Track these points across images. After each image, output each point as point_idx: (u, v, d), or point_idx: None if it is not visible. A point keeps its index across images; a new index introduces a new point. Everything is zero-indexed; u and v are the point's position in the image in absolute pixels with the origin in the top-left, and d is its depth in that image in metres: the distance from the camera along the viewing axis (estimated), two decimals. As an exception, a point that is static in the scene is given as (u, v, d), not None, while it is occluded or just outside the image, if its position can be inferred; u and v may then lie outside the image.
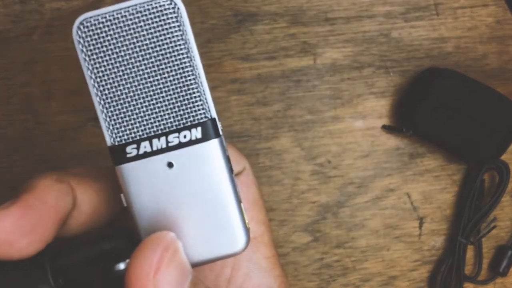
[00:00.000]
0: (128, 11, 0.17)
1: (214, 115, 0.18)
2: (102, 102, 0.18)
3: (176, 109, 0.17)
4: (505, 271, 0.51)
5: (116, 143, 0.18)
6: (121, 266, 0.17)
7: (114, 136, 0.18)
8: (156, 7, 0.16)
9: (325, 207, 0.52)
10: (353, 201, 0.52)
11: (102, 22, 0.18)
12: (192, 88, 0.17)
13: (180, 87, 0.17)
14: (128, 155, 0.17)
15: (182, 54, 0.16)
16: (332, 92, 0.52)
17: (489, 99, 0.47)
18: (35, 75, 0.52)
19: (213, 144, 0.17)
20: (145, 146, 0.17)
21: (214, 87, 0.52)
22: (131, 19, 0.17)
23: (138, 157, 0.17)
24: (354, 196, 0.52)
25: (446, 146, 0.50)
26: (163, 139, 0.16)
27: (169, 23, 0.16)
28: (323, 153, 0.52)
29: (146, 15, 0.16)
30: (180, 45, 0.17)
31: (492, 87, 0.49)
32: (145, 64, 0.17)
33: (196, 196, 0.16)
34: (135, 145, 0.17)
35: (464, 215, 0.50)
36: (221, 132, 0.17)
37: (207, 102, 0.18)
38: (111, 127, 0.18)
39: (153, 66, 0.17)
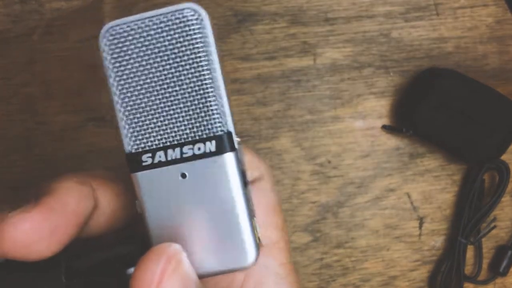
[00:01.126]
0: (152, 20, 0.18)
1: (231, 128, 0.17)
2: (123, 110, 0.18)
3: (193, 120, 0.17)
4: (505, 271, 0.51)
5: (133, 151, 0.18)
6: (131, 270, 0.17)
7: (131, 143, 0.18)
8: (179, 17, 0.17)
9: (325, 207, 0.52)
10: (353, 201, 0.52)
11: (127, 31, 0.18)
12: (210, 101, 0.17)
13: (198, 99, 0.17)
14: (144, 164, 0.17)
15: (202, 66, 0.17)
16: (332, 92, 0.52)
17: (489, 99, 0.47)
18: (35, 75, 0.52)
19: (228, 158, 0.17)
20: (160, 156, 0.17)
21: (214, 87, 0.52)
22: (154, 29, 0.17)
23: (153, 166, 0.17)
24: (354, 196, 0.52)
25: (446, 146, 0.50)
26: (177, 150, 0.17)
27: (191, 35, 0.17)
28: (323, 153, 0.52)
29: (169, 25, 0.17)
30: (200, 56, 0.17)
31: (492, 87, 0.49)
32: (165, 74, 0.17)
33: (208, 208, 0.16)
34: (150, 154, 0.17)
35: (464, 215, 0.50)
36: (236, 146, 0.17)
37: (224, 116, 0.17)
38: (129, 135, 0.18)
39: (173, 77, 0.17)
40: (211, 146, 0.16)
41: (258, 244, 0.17)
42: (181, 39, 0.17)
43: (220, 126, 0.17)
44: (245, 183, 0.17)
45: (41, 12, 0.53)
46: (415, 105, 0.48)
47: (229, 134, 0.17)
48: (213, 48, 0.18)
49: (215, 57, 0.17)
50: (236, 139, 0.18)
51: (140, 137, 0.17)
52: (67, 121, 0.52)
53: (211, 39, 0.18)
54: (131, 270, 0.17)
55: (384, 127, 0.52)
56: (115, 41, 0.18)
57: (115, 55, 0.18)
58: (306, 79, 0.52)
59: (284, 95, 0.52)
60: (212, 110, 0.17)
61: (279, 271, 0.22)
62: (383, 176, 0.52)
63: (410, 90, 0.52)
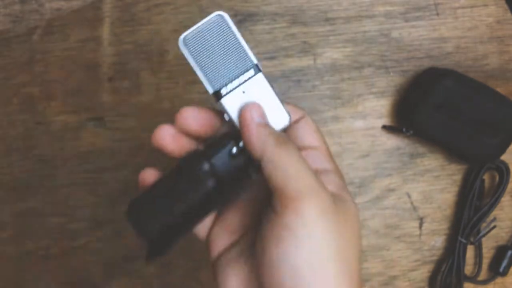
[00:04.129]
0: (202, 26, 0.31)
1: (256, 62, 0.31)
2: (204, 72, 0.31)
3: (238, 64, 0.31)
4: (505, 271, 0.51)
5: (215, 90, 0.31)
6: (240, 144, 0.30)
7: (212, 87, 0.31)
8: (214, 21, 0.31)
9: (325, 207, 0.52)
10: (353, 201, 0.52)
11: (192, 35, 0.31)
12: (240, 53, 0.31)
13: (235, 54, 0.31)
14: (223, 94, 0.31)
15: (231, 37, 0.31)
16: (332, 92, 0.52)
17: (489, 99, 0.47)
18: (35, 75, 0.52)
19: (260, 75, 0.31)
20: (228, 87, 0.31)
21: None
22: (203, 30, 0.31)
23: (227, 93, 0.31)
24: (354, 196, 0.52)
25: (446, 146, 0.50)
26: (236, 81, 0.31)
27: (221, 26, 0.31)
28: (323, 153, 0.52)
29: (210, 25, 0.31)
30: (229, 33, 0.31)
31: (492, 87, 0.49)
32: (217, 47, 0.31)
33: (259, 101, 0.31)
34: (224, 88, 0.31)
35: (464, 215, 0.50)
36: (261, 69, 0.31)
37: (249, 58, 0.31)
38: (210, 84, 0.31)
39: (220, 47, 0.31)
40: (250, 73, 0.31)
41: (288, 113, 0.31)
42: (217, 29, 0.31)
43: (250, 62, 0.31)
44: (272, 86, 0.31)
45: (41, 12, 0.53)
46: (415, 105, 0.48)
47: (256, 65, 0.31)
48: (234, 28, 0.31)
49: (236, 31, 0.31)
50: (260, 66, 0.31)
51: (215, 82, 0.31)
52: (67, 121, 0.52)
53: (231, 24, 0.31)
54: (240, 144, 0.30)
55: (384, 127, 0.52)
56: (188, 41, 0.31)
57: (190, 47, 0.31)
58: (306, 79, 0.52)
59: (284, 95, 0.52)
60: (243, 57, 0.31)
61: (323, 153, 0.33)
62: (383, 176, 0.52)
63: (410, 90, 0.52)
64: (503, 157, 0.49)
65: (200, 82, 0.31)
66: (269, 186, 0.28)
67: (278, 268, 0.26)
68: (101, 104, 0.52)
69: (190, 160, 0.30)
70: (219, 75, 0.31)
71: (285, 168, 0.27)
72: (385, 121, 0.52)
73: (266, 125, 0.30)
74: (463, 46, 0.52)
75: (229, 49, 0.31)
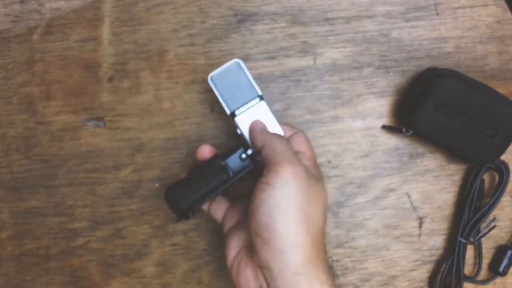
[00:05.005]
0: (224, 68, 0.44)
1: (260, 93, 0.44)
2: (224, 99, 0.44)
3: (248, 95, 0.44)
4: (505, 271, 0.51)
5: (231, 111, 0.44)
6: (249, 151, 0.43)
7: (229, 109, 0.44)
8: (232, 65, 0.44)
9: (325, 207, 0.52)
10: (353, 201, 0.52)
11: (217, 74, 0.44)
12: (250, 87, 0.44)
13: (246, 88, 0.44)
14: (236, 114, 0.44)
15: (243, 76, 0.44)
16: (332, 92, 0.52)
17: (489, 99, 0.47)
18: (35, 75, 0.52)
19: (263, 103, 0.44)
20: (240, 110, 0.44)
21: (214, 87, 0.52)
22: (224, 71, 0.44)
23: (240, 114, 0.44)
24: (354, 196, 0.52)
25: (445, 146, 0.50)
26: (245, 105, 0.44)
27: (237, 69, 0.44)
28: (323, 153, 0.52)
29: (229, 68, 0.44)
30: (242, 74, 0.44)
31: (492, 87, 0.49)
32: (233, 83, 0.44)
33: (262, 119, 0.44)
34: (237, 110, 0.44)
35: (464, 215, 0.50)
36: (264, 98, 0.44)
37: (256, 91, 0.44)
38: (228, 107, 0.44)
39: (236, 83, 0.44)
40: (256, 100, 0.44)
41: (283, 129, 0.44)
42: (235, 71, 0.44)
43: (256, 93, 0.44)
44: (271, 112, 0.44)
45: (41, 12, 0.53)
46: (415, 105, 0.48)
47: (260, 95, 0.44)
48: (247, 71, 0.44)
49: (247, 73, 0.44)
50: (264, 98, 0.44)
51: (232, 105, 0.44)
52: (66, 121, 0.52)
53: (245, 69, 0.44)
54: (249, 151, 0.43)
55: (384, 127, 0.52)
56: (214, 78, 0.44)
57: (215, 82, 0.44)
58: (306, 79, 0.52)
59: (284, 95, 0.52)
60: (253, 89, 0.44)
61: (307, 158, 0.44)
62: (383, 176, 0.52)
63: (410, 90, 0.52)
64: (503, 157, 0.49)
65: (221, 106, 0.44)
66: (265, 164, 0.40)
67: (258, 212, 0.38)
68: (101, 104, 0.52)
69: (214, 159, 0.43)
70: (235, 101, 0.44)
71: (274, 148, 0.40)
72: (385, 121, 0.52)
73: (266, 128, 0.43)
74: (463, 46, 0.52)
75: (242, 84, 0.44)
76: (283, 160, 0.39)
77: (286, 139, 0.43)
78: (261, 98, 0.44)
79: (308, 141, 0.45)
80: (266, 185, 0.38)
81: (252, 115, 0.44)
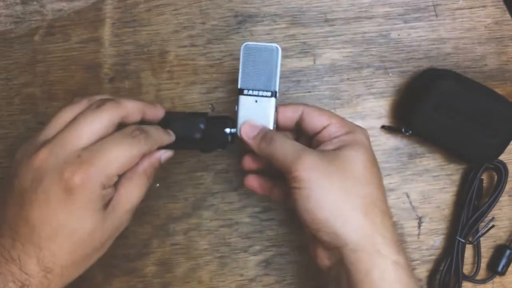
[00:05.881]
0: (261, 45, 0.41)
1: (276, 89, 0.42)
2: (243, 72, 0.42)
3: (266, 83, 0.41)
4: (503, 270, 0.51)
5: (241, 87, 0.42)
6: (228, 130, 0.43)
7: (241, 84, 0.42)
8: (271, 47, 0.41)
9: (325, 206, 0.52)
10: (353, 201, 0.52)
11: (252, 45, 0.42)
12: (271, 77, 0.41)
13: (268, 76, 0.42)
14: (244, 92, 0.42)
15: (273, 64, 0.41)
16: (332, 93, 0.52)
17: (488, 100, 0.48)
18: (36, 75, 0.53)
19: (272, 100, 0.41)
20: (249, 92, 0.42)
21: (214, 87, 0.52)
22: (260, 48, 0.41)
23: (247, 94, 0.42)
24: (353, 195, 0.52)
25: (444, 146, 0.50)
26: (256, 91, 0.42)
27: (272, 53, 0.41)
28: (322, 153, 0.52)
29: (267, 48, 0.41)
30: (273, 61, 0.41)
31: (491, 87, 0.49)
32: (260, 64, 0.41)
33: (260, 116, 0.42)
34: (247, 90, 0.42)
35: (463, 215, 0.50)
36: (276, 96, 0.42)
37: (274, 84, 0.41)
38: (241, 81, 0.42)
39: (262, 65, 0.41)
40: (267, 93, 0.41)
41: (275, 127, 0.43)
42: (270, 54, 0.41)
43: (273, 88, 0.41)
44: (276, 108, 0.42)
45: (43, 13, 0.53)
46: (414, 106, 0.49)
47: (274, 92, 0.41)
48: (278, 61, 0.41)
49: (279, 64, 0.41)
50: (277, 94, 0.42)
51: (245, 83, 0.42)
52: (68, 121, 0.52)
53: (279, 57, 0.41)
54: (228, 130, 0.43)
55: (383, 127, 0.52)
56: (246, 49, 0.42)
57: (245, 53, 0.42)
58: (306, 79, 0.52)
59: (284, 95, 0.52)
60: (272, 81, 0.41)
61: None
62: (383, 176, 0.52)
63: (409, 90, 0.52)
64: (502, 157, 0.50)
65: (237, 76, 0.42)
66: (280, 170, 0.40)
67: (303, 217, 0.38)
68: (102, 104, 0.52)
69: (201, 115, 0.44)
70: (250, 81, 0.42)
71: (277, 156, 0.39)
72: (384, 121, 0.53)
73: (256, 136, 0.41)
74: (462, 47, 0.53)
75: (266, 71, 0.41)
76: (294, 162, 0.38)
77: (281, 132, 0.42)
78: (274, 95, 0.41)
79: (320, 110, 0.42)
80: (296, 191, 0.38)
81: (257, 104, 0.42)
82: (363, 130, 0.42)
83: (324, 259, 0.40)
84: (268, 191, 0.45)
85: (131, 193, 0.39)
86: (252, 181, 0.45)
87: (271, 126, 0.42)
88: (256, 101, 0.42)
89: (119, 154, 0.37)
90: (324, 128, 0.42)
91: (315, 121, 0.42)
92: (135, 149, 0.38)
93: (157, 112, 0.42)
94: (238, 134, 0.42)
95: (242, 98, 0.42)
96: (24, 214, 0.35)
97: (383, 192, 0.40)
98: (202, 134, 0.43)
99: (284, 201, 0.45)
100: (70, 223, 0.36)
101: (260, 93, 0.42)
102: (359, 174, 0.39)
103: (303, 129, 0.43)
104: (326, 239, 0.38)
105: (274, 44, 0.41)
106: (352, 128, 0.42)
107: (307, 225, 0.38)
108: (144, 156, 0.39)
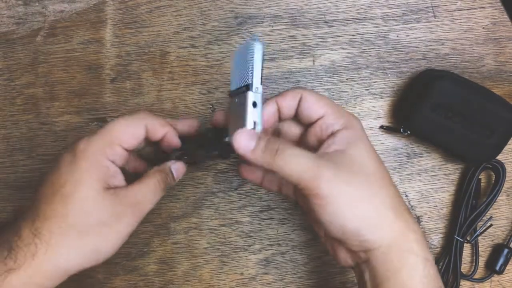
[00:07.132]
0: (242, 47, 0.38)
1: (251, 82, 0.37)
2: (232, 78, 0.39)
3: (244, 81, 0.37)
4: (501, 269, 0.52)
5: (230, 90, 0.39)
6: (226, 139, 0.39)
7: (230, 89, 0.39)
8: (247, 45, 0.37)
9: (324, 206, 0.52)
10: (352, 200, 0.52)
11: (237, 51, 0.39)
12: (247, 73, 0.37)
13: (246, 71, 0.37)
14: (231, 94, 0.39)
15: (250, 61, 0.37)
16: (331, 93, 0.53)
17: (485, 100, 0.48)
18: (38, 76, 0.53)
19: (249, 94, 0.37)
20: (233, 92, 0.39)
21: (215, 88, 0.53)
22: (241, 50, 0.38)
23: (232, 96, 0.39)
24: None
25: (442, 146, 0.50)
26: (236, 90, 0.38)
27: (249, 51, 0.37)
28: (322, 153, 0.53)
29: (245, 48, 0.37)
30: (250, 57, 0.37)
31: (488, 88, 0.49)
32: (241, 61, 0.38)
33: (240, 112, 0.37)
34: (233, 92, 0.39)
35: (461, 214, 0.51)
36: (253, 90, 0.37)
37: (248, 79, 0.37)
38: (231, 85, 0.39)
39: (243, 63, 0.37)
40: (243, 88, 0.37)
41: (253, 124, 0.37)
42: (248, 53, 0.37)
43: (249, 80, 0.37)
44: (255, 103, 0.37)
45: (45, 14, 0.53)
46: (412, 106, 0.49)
47: (247, 85, 0.37)
48: (256, 56, 0.37)
49: (256, 60, 0.37)
50: (255, 88, 0.37)
51: (232, 85, 0.39)
52: (70, 121, 0.52)
53: (256, 53, 0.37)
54: (227, 138, 0.38)
55: (382, 127, 0.53)
56: (234, 54, 0.39)
57: (235, 57, 0.39)
58: (305, 80, 0.53)
59: (284, 96, 0.53)
60: (249, 75, 0.37)
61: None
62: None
63: (408, 91, 0.52)
64: (499, 157, 0.50)
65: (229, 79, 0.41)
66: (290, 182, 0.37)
67: (326, 226, 0.37)
68: (104, 104, 0.52)
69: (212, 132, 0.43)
70: (233, 81, 0.39)
71: (284, 172, 0.36)
72: (383, 121, 0.53)
73: (257, 151, 0.37)
74: (460, 47, 0.53)
75: (243, 65, 0.37)
76: (314, 179, 0.35)
77: (273, 139, 0.37)
78: (248, 88, 0.36)
79: (318, 96, 0.40)
80: (319, 207, 0.36)
81: (237, 102, 0.38)
82: (357, 120, 0.40)
83: (346, 259, 0.40)
84: (260, 180, 0.46)
85: (138, 189, 0.40)
86: (247, 174, 0.45)
87: (248, 125, 0.36)
88: (236, 100, 0.38)
89: (123, 126, 0.40)
90: (320, 118, 0.40)
91: (312, 109, 0.40)
92: (140, 123, 0.41)
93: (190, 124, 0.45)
94: (232, 144, 0.37)
95: (229, 100, 0.40)
96: (41, 184, 0.39)
97: (393, 182, 0.39)
98: (215, 149, 0.42)
99: (278, 192, 0.45)
100: (68, 186, 0.37)
101: (239, 90, 0.38)
102: (374, 170, 0.38)
103: (298, 117, 0.41)
104: (356, 246, 0.37)
105: (254, 41, 0.37)
106: (348, 121, 0.40)
107: (333, 236, 0.37)
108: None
